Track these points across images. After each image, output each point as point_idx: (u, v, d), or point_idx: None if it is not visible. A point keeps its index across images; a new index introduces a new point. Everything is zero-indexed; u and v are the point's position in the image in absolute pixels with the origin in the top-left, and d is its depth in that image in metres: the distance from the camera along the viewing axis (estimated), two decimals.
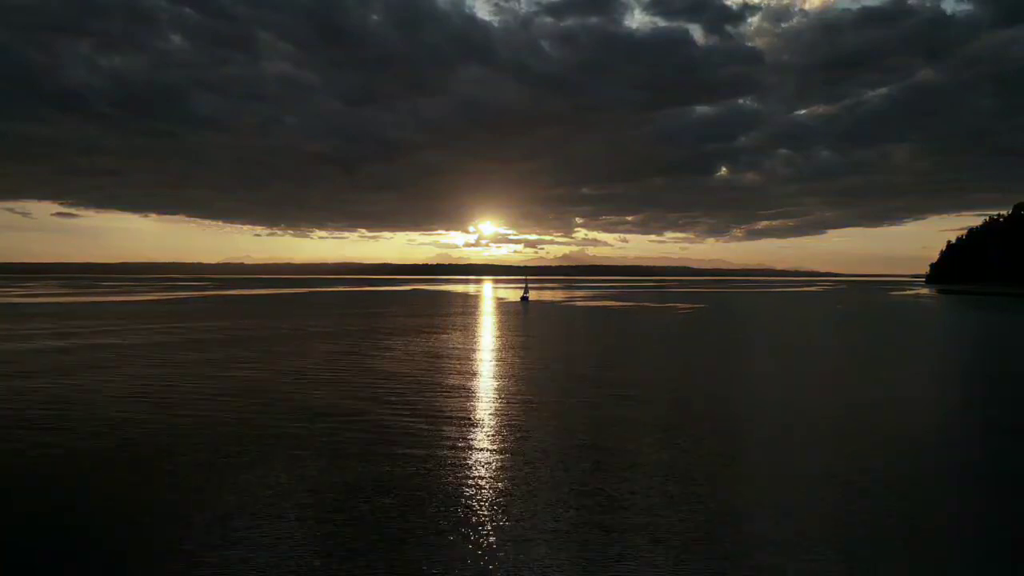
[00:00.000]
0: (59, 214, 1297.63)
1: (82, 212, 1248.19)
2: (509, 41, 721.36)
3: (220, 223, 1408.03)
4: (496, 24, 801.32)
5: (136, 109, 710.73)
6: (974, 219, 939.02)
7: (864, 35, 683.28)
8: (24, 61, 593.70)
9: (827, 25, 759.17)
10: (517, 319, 64.70)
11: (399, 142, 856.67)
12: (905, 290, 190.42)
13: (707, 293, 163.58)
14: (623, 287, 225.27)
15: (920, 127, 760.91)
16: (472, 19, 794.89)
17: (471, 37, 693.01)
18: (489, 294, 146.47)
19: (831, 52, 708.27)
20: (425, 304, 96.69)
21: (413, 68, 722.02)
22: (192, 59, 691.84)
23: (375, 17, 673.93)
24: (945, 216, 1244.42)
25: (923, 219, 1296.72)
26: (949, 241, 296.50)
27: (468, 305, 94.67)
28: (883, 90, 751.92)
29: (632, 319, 67.08)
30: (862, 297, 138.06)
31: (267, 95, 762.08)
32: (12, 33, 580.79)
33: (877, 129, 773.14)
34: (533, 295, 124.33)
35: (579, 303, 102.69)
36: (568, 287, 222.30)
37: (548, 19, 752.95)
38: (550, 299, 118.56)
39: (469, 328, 53.38)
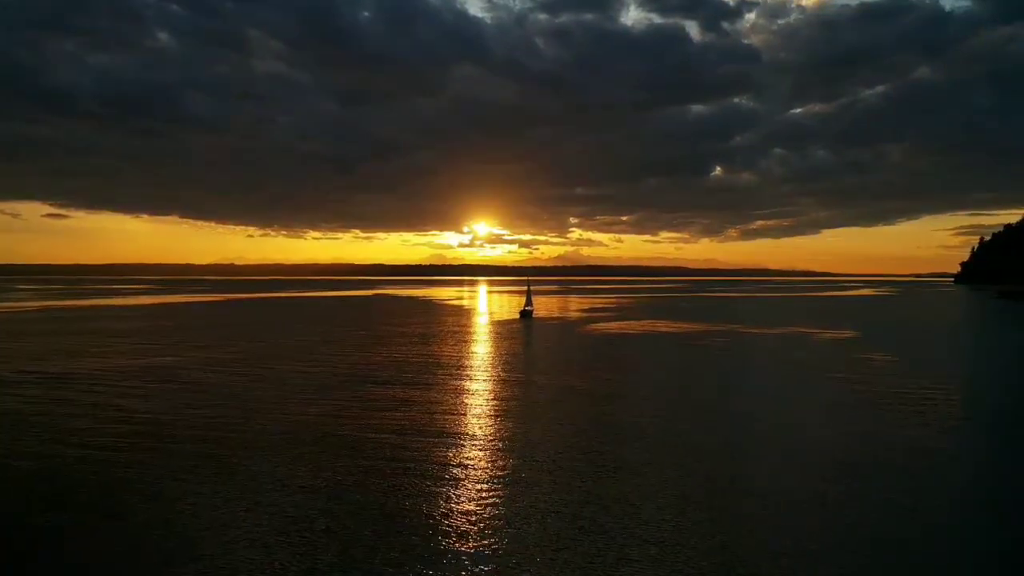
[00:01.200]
0: (50, 215, 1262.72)
1: (73, 213, 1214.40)
2: (503, 39, 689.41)
3: (213, 224, 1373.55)
4: (489, 21, 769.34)
5: (126, 108, 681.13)
6: (968, 219, 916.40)
7: (862, 32, 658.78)
8: (11, 60, 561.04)
9: (825, 22, 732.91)
10: (516, 395, 30.58)
11: (392, 141, 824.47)
12: (941, 289, 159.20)
13: (772, 300, 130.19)
14: (638, 290, 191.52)
15: (916, 126, 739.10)
16: (464, 15, 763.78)
17: (464, 34, 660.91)
18: (476, 302, 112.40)
19: (828, 50, 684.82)
20: (360, 327, 62.52)
21: (405, 66, 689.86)
22: (181, 58, 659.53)
23: (366, 14, 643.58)
24: (938, 216, 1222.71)
25: (917, 219, 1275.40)
26: (982, 238, 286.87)
27: (424, 333, 60.35)
28: (880, 88, 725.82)
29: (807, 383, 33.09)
30: (962, 303, 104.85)
31: (259, 94, 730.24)
32: None
33: (873, 128, 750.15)
34: (536, 303, 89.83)
35: (610, 323, 68.32)
36: (570, 291, 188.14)
37: (542, 16, 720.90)
38: (559, 313, 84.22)
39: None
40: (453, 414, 22.61)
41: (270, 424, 20.89)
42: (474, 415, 22.56)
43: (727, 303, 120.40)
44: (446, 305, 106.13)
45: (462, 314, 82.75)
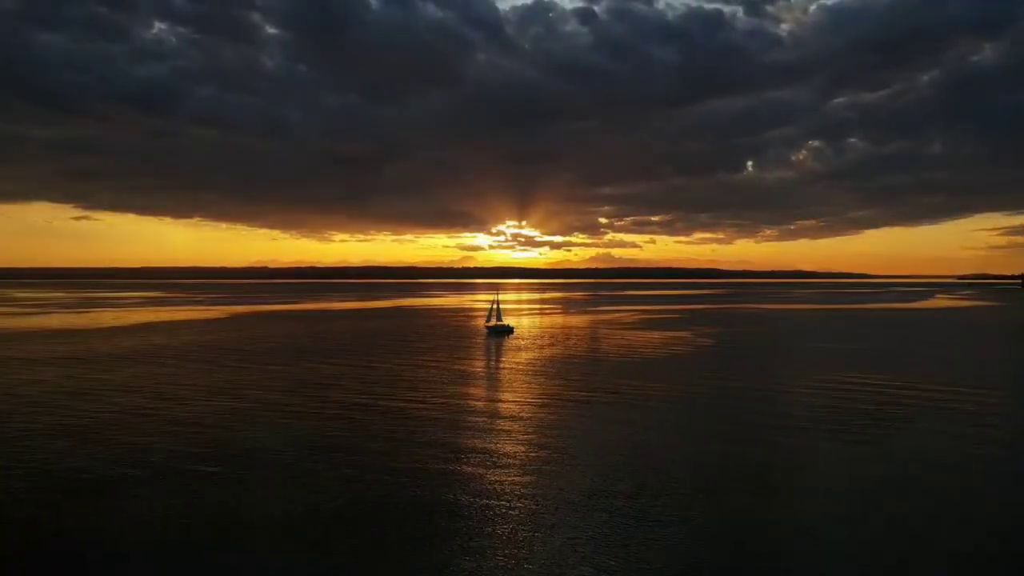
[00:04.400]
0: (77, 218, 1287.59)
1: (100, 216, 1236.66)
2: (526, 26, 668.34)
3: (237, 225, 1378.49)
4: (511, 8, 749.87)
5: (146, 110, 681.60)
6: (1012, 219, 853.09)
7: (912, 14, 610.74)
8: (16, 59, 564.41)
9: (869, 5, 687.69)
10: None
11: (417, 140, 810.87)
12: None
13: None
14: (686, 296, 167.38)
15: (966, 117, 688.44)
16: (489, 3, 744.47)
17: (486, 22, 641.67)
18: (519, 321, 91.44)
19: (875, 35, 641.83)
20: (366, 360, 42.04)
21: (425, 58, 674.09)
22: (196, 55, 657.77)
23: (374, 5, 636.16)
24: (988, 216, 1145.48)
25: (962, 218, 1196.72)
26: None
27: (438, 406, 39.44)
28: (927, 76, 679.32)
29: None
30: None
31: (268, 90, 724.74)
32: (5, 35, 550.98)
33: (919, 120, 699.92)
34: (591, 316, 67.56)
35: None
36: (619, 297, 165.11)
37: (570, 4, 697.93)
38: (629, 340, 62.15)
39: None
40: None
41: None
42: None
43: (828, 319, 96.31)
44: (475, 326, 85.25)
45: (503, 352, 61.87)
